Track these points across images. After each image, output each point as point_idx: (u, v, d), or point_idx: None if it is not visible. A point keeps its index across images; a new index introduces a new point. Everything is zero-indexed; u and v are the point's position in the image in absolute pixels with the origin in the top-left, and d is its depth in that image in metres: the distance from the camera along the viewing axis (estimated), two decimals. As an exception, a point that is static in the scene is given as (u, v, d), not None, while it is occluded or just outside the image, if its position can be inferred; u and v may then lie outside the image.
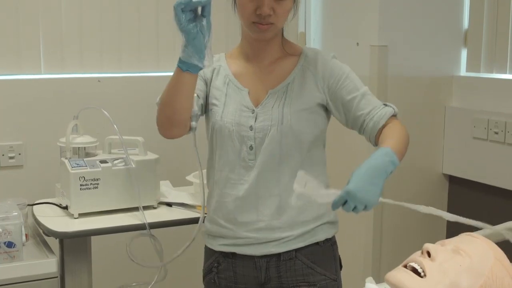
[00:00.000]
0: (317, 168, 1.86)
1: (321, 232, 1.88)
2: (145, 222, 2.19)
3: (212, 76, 1.89)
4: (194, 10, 1.57)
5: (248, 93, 1.83)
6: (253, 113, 1.81)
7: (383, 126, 1.76)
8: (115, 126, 2.26)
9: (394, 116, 1.78)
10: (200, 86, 1.86)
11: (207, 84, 1.89)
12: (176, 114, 1.75)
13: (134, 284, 2.51)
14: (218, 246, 1.90)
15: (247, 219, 1.83)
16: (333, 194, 1.49)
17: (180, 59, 1.64)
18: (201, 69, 1.65)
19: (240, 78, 1.87)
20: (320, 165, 1.89)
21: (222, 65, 1.89)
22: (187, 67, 1.64)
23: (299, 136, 1.80)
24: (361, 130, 1.81)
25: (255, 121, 1.80)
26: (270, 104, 1.81)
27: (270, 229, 1.83)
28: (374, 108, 1.78)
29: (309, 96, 1.82)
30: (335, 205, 1.51)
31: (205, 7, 1.58)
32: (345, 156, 2.93)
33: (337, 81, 1.82)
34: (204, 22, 1.59)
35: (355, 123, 1.81)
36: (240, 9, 1.77)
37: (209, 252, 1.95)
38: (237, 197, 1.83)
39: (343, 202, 1.49)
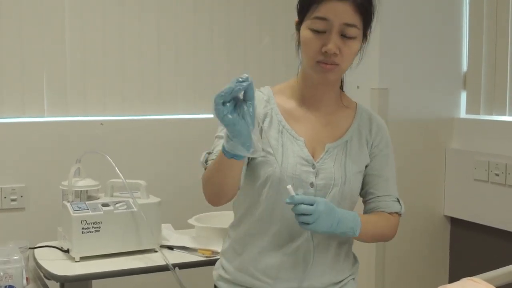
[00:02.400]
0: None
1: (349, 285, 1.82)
2: (168, 263, 2.17)
3: (264, 119, 1.71)
4: (235, 98, 1.43)
5: (304, 143, 1.70)
6: (313, 168, 1.68)
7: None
8: (118, 171, 2.27)
9: (397, 214, 1.78)
10: None
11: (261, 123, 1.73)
12: (225, 191, 1.64)
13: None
14: None
15: (291, 276, 1.70)
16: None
17: (223, 147, 1.50)
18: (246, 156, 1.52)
19: (294, 124, 1.73)
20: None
21: (273, 108, 1.73)
22: (231, 156, 1.50)
23: (353, 198, 1.75)
24: (363, 198, 1.81)
25: (315, 177, 1.68)
26: (331, 160, 1.70)
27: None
28: (387, 196, 1.77)
29: (364, 158, 1.76)
30: (298, 199, 1.53)
31: (248, 91, 1.42)
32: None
33: (378, 151, 1.78)
34: (248, 107, 1.43)
35: (363, 194, 1.80)
36: (305, 47, 1.65)
37: None
38: (285, 253, 1.70)
39: (309, 204, 1.53)
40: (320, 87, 1.73)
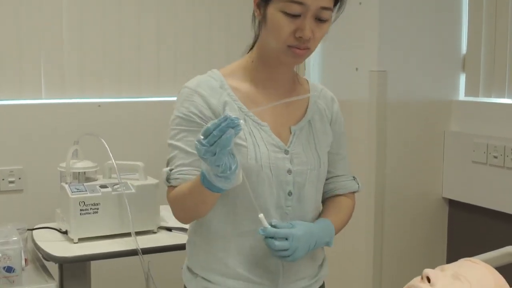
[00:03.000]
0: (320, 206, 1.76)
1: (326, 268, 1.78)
2: (137, 248, 2.16)
3: (223, 111, 1.56)
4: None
5: (270, 128, 1.60)
6: (287, 154, 1.60)
7: (338, 195, 1.74)
8: (110, 154, 2.27)
9: (354, 192, 1.77)
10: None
11: None
12: (202, 214, 1.57)
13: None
14: None
15: (290, 269, 1.63)
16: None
17: (205, 182, 1.40)
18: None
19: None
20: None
21: (229, 94, 1.59)
22: (217, 190, 1.42)
23: (325, 177, 1.71)
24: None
25: (291, 164, 1.60)
26: (300, 143, 1.63)
27: (314, 276, 1.69)
28: (344, 176, 1.75)
29: (328, 135, 1.71)
30: (270, 232, 1.46)
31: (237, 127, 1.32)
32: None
33: (337, 128, 1.73)
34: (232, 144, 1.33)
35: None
36: (275, 31, 1.52)
37: None
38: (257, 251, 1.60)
39: (284, 237, 1.46)
40: (282, 68, 1.63)
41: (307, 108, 1.68)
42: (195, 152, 1.46)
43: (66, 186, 2.30)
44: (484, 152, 2.80)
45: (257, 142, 1.57)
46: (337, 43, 3.08)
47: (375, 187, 2.81)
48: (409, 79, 2.92)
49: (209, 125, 1.30)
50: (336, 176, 1.75)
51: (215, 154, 1.30)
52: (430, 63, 2.96)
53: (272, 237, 1.47)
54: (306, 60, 3.25)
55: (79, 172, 2.38)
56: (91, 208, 2.27)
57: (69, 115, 2.88)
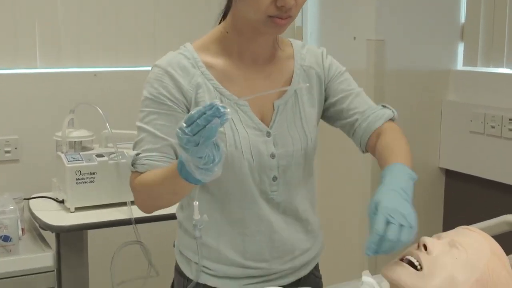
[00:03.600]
0: (313, 183, 1.63)
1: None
2: (132, 217, 2.16)
3: (195, 94, 1.45)
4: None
5: (249, 107, 1.48)
6: (269, 136, 1.49)
7: (379, 130, 1.52)
8: (107, 124, 2.26)
9: (391, 120, 1.55)
10: (173, 120, 1.44)
11: (189, 106, 1.47)
12: (171, 204, 1.46)
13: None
14: (238, 286, 1.55)
15: (284, 250, 1.57)
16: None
17: (181, 168, 1.25)
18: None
19: (231, 87, 1.48)
20: (313, 177, 1.64)
21: (203, 73, 1.47)
22: (195, 182, 1.26)
23: (315, 149, 1.57)
24: (351, 130, 1.57)
25: (274, 147, 1.49)
26: (284, 121, 1.51)
27: (307, 250, 1.63)
28: (370, 108, 1.55)
29: (315, 107, 1.56)
30: (380, 231, 1.22)
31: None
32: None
33: (334, 77, 1.57)
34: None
35: (346, 123, 1.57)
36: (253, 1, 1.38)
37: None
38: (265, 234, 1.53)
39: (384, 224, 1.22)
40: (261, 39, 1.49)
41: (292, 74, 1.55)
42: (164, 136, 1.43)
43: (62, 155, 2.29)
44: (482, 122, 2.79)
45: (236, 126, 1.45)
46: (335, 12, 3.06)
47: (372, 157, 2.80)
48: (407, 49, 2.90)
49: (193, 112, 1.16)
50: (360, 113, 1.54)
51: (198, 144, 1.16)
52: (428, 32, 2.94)
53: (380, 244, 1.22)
54: (303, 29, 3.23)
55: (75, 141, 2.37)
56: (87, 177, 2.26)
57: (65, 84, 2.86)
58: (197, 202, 1.30)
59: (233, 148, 1.44)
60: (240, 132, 1.45)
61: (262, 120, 1.49)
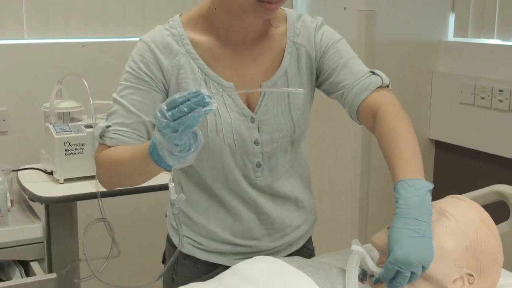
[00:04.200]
0: (303, 159, 1.58)
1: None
2: (97, 191, 2.11)
3: (177, 75, 1.41)
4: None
5: (235, 90, 1.43)
6: (253, 122, 1.43)
7: (371, 105, 1.43)
8: (90, 96, 2.23)
9: (383, 87, 1.45)
10: (150, 97, 1.40)
11: (168, 86, 1.43)
12: (133, 185, 1.40)
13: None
14: (228, 261, 1.53)
15: (275, 228, 1.55)
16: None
17: (153, 150, 1.19)
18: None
19: (217, 68, 1.43)
20: (304, 152, 1.59)
21: (189, 51, 1.42)
22: (165, 167, 1.21)
23: (305, 132, 1.53)
24: (341, 103, 1.50)
25: (258, 132, 1.44)
26: (271, 105, 1.45)
27: (299, 226, 1.61)
28: (356, 78, 1.45)
29: (309, 82, 1.50)
30: (385, 277, 1.18)
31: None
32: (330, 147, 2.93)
33: (325, 52, 1.49)
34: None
35: (335, 96, 1.50)
36: None
37: (198, 262, 1.57)
38: (253, 214, 1.51)
39: (395, 273, 1.17)
40: (249, 19, 1.41)
41: (284, 53, 1.47)
42: (138, 113, 1.39)
43: (51, 126, 2.27)
44: (472, 93, 2.79)
45: (219, 110, 1.40)
46: (325, -18, 3.03)
47: (362, 127, 2.80)
48: (397, 19, 2.88)
49: (176, 96, 1.09)
50: (346, 86, 1.46)
51: (176, 131, 1.09)
52: (419, 3, 2.92)
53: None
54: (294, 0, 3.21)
55: (63, 112, 2.35)
56: (76, 149, 2.25)
57: (52, 55, 2.83)
58: (173, 184, 1.24)
59: (214, 134, 1.40)
60: (223, 117, 1.41)
61: (247, 102, 1.44)
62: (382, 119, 1.38)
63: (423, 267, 1.15)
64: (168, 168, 1.21)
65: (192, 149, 1.13)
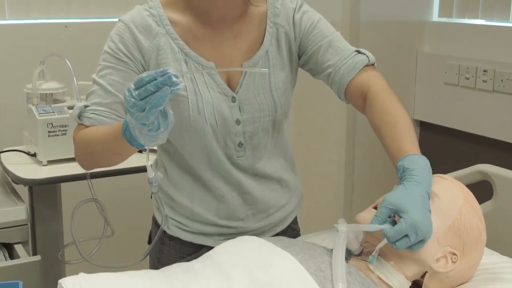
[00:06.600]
0: (285, 141, 1.58)
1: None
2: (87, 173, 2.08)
3: (156, 55, 1.41)
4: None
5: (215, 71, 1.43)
6: (234, 101, 1.43)
7: (359, 85, 1.44)
8: (74, 76, 2.21)
9: (369, 65, 1.46)
10: (128, 78, 1.38)
11: (147, 67, 1.42)
12: (109, 165, 1.41)
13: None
14: (213, 242, 1.53)
15: (259, 208, 1.55)
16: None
17: (125, 130, 1.19)
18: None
19: (197, 47, 1.42)
20: (286, 135, 1.59)
21: (168, 31, 1.41)
22: (137, 146, 1.21)
23: (286, 112, 1.52)
24: (328, 84, 1.50)
25: (240, 112, 1.44)
26: (252, 84, 1.44)
27: (283, 207, 1.60)
28: (342, 58, 1.45)
29: (290, 62, 1.49)
30: (394, 237, 1.16)
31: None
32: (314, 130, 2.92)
33: (306, 32, 1.49)
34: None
35: (321, 77, 1.50)
36: None
37: (184, 243, 1.57)
38: (237, 195, 1.52)
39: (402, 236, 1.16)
40: None
41: (264, 33, 1.47)
42: (116, 93, 1.39)
43: (33, 107, 2.25)
44: (456, 74, 2.80)
45: (200, 90, 1.40)
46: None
47: (347, 106, 2.80)
48: (382, -1, 2.88)
49: (143, 75, 1.09)
50: (332, 66, 1.46)
51: (143, 110, 1.09)
52: (404, -17, 2.92)
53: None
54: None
55: (46, 94, 2.33)
56: (59, 130, 2.23)
57: (34, 36, 2.79)
58: (149, 162, 1.24)
59: (196, 113, 1.40)
60: (204, 96, 1.41)
61: (228, 82, 1.44)
62: (375, 100, 1.40)
63: (423, 240, 1.17)
64: (140, 147, 1.22)
65: (162, 129, 1.12)
